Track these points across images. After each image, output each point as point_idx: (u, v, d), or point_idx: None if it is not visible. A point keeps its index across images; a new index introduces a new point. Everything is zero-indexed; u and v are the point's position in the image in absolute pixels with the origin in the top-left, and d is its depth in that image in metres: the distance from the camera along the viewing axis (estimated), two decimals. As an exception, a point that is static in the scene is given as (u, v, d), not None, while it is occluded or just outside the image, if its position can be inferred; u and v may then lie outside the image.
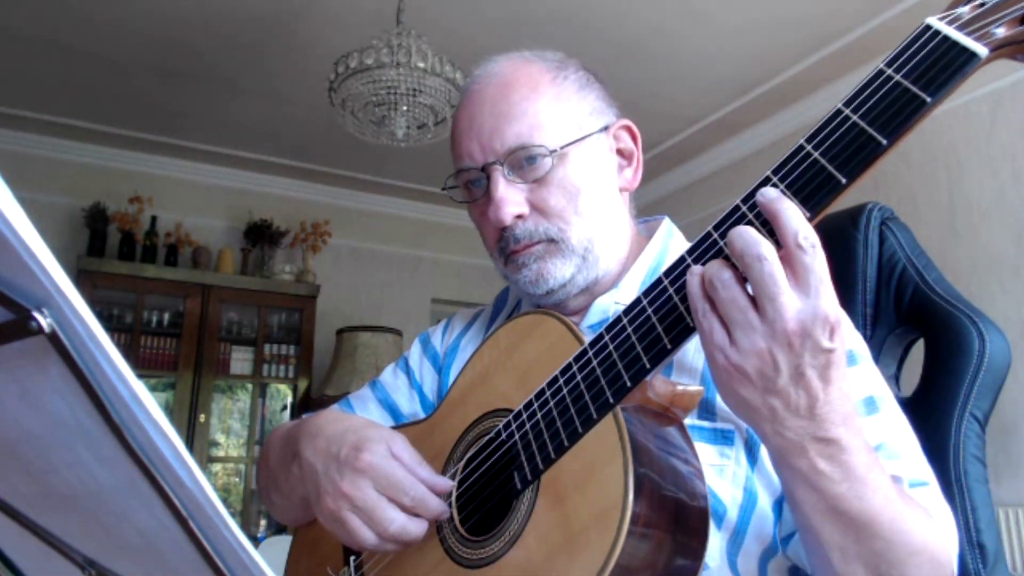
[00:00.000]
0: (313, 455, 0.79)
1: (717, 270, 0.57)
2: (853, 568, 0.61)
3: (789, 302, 0.54)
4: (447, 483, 0.74)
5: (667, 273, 0.65)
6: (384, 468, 0.72)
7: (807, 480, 0.59)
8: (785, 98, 3.51)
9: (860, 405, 0.73)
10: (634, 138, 0.92)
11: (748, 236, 0.56)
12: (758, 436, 0.61)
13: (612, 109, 0.91)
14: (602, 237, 0.86)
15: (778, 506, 0.76)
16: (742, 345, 0.56)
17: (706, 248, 0.62)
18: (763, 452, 0.75)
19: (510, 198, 0.83)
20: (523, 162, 0.83)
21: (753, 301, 0.56)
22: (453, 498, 0.75)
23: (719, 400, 0.75)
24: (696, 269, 0.60)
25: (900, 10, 2.87)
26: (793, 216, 0.55)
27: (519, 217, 0.84)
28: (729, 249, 0.57)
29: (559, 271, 0.84)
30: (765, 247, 0.55)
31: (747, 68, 3.33)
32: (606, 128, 0.89)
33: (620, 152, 0.91)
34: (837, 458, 0.58)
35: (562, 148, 0.83)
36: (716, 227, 0.62)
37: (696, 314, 0.59)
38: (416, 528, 0.71)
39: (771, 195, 0.57)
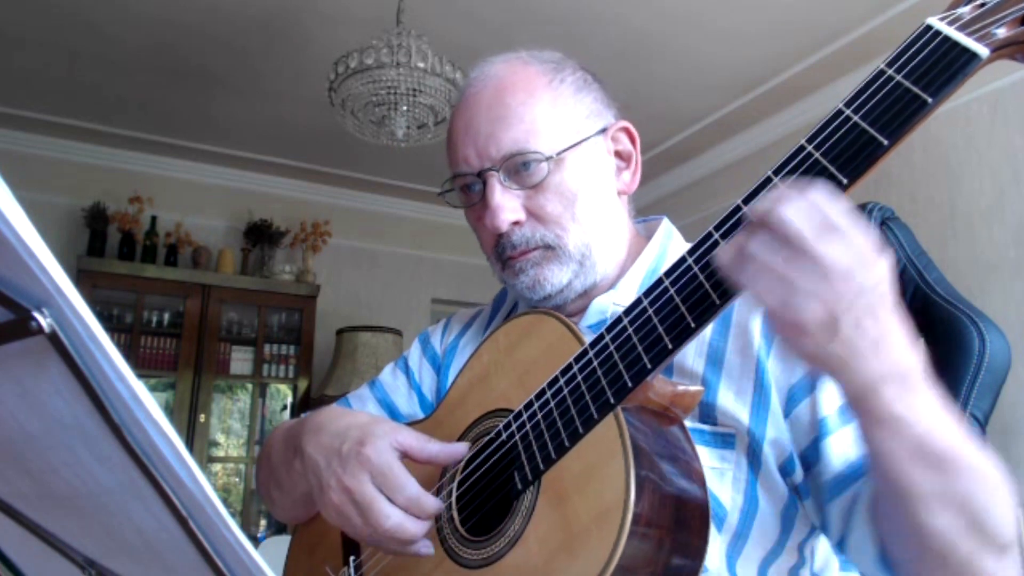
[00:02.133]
0: (316, 450, 0.79)
1: (749, 237, 0.56)
2: (944, 518, 0.58)
3: (827, 249, 0.53)
4: (462, 447, 0.75)
5: (668, 274, 0.65)
6: (381, 464, 0.72)
7: (886, 425, 0.57)
8: (785, 98, 3.51)
9: None
10: (632, 140, 0.91)
11: (773, 196, 0.55)
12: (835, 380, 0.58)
13: (610, 110, 0.90)
14: (600, 242, 0.86)
15: (787, 515, 0.75)
16: (795, 302, 0.54)
17: (707, 248, 0.62)
18: (766, 458, 0.75)
19: (506, 205, 0.82)
20: (519, 168, 0.82)
21: (793, 257, 0.54)
22: (454, 498, 0.75)
23: (720, 404, 0.76)
24: (724, 244, 0.58)
25: (900, 10, 2.86)
26: (788, 205, 0.54)
27: (516, 223, 0.83)
28: (754, 215, 0.56)
29: (556, 277, 0.84)
30: (790, 203, 0.54)
31: (748, 68, 3.33)
32: (604, 131, 0.88)
33: (618, 154, 0.90)
34: (910, 398, 0.56)
35: (559, 154, 0.82)
36: (717, 227, 0.62)
37: (744, 279, 0.56)
38: (414, 527, 0.71)
39: (758, 209, 0.56)
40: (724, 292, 0.60)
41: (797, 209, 0.54)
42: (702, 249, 0.63)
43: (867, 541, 0.68)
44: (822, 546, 0.82)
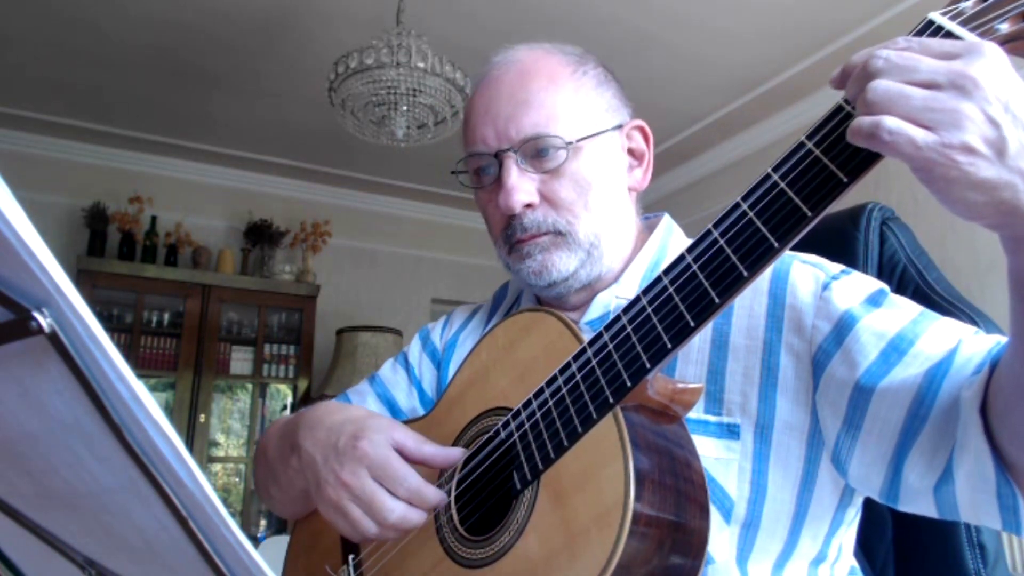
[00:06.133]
0: (313, 446, 0.79)
1: (871, 89, 0.52)
2: None
3: (943, 64, 0.50)
4: (457, 452, 0.74)
5: (667, 272, 0.65)
6: (380, 458, 0.72)
7: None
8: (785, 98, 3.51)
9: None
10: (646, 139, 0.92)
11: (855, 58, 0.53)
12: (1019, 230, 0.52)
13: (627, 109, 0.91)
14: (608, 234, 0.86)
15: (802, 503, 0.74)
16: (944, 122, 0.49)
17: (707, 246, 0.62)
18: (779, 441, 0.74)
19: (521, 187, 0.82)
20: (537, 152, 0.83)
21: (932, 74, 0.50)
22: (452, 497, 0.75)
23: (726, 394, 0.76)
24: (853, 122, 0.52)
25: (900, 10, 2.87)
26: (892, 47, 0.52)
27: (528, 206, 0.83)
28: (856, 83, 0.53)
29: (563, 264, 0.84)
30: (880, 51, 0.52)
31: (748, 68, 3.33)
32: (620, 127, 0.89)
33: (631, 152, 0.91)
34: None
35: (577, 141, 0.83)
36: (716, 225, 0.62)
37: (882, 139, 0.51)
38: (417, 517, 0.71)
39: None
40: (724, 290, 0.60)
41: (893, 52, 0.52)
42: (702, 247, 0.62)
43: (985, 461, 0.58)
44: (847, 544, 0.81)
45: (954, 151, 0.49)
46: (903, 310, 0.72)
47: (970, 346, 0.66)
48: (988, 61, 0.50)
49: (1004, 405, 0.58)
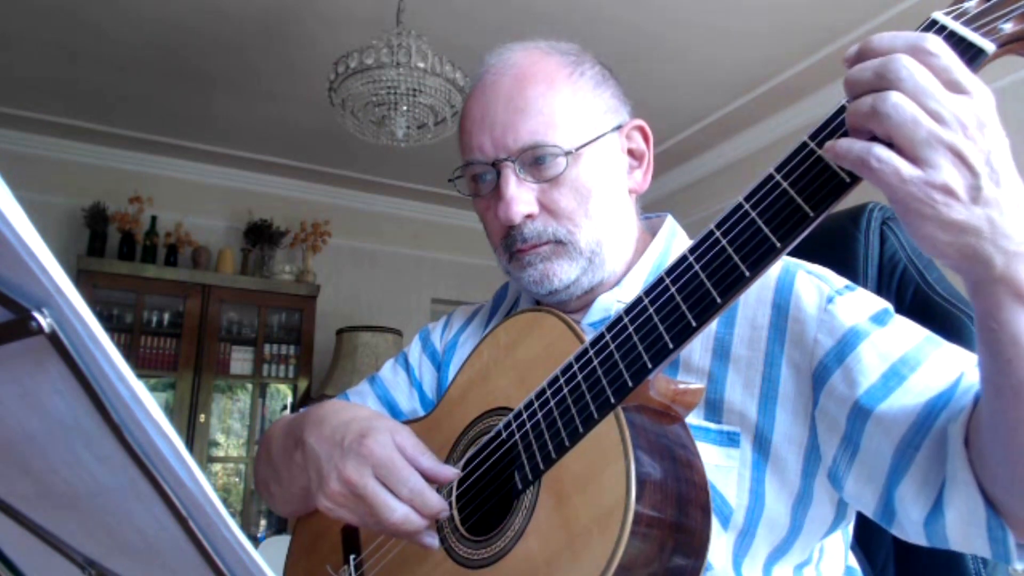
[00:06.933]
0: (318, 442, 0.78)
1: (873, 98, 0.52)
2: None
3: (951, 100, 0.50)
4: (451, 472, 0.74)
5: (669, 272, 0.64)
6: (385, 457, 0.72)
7: None
8: (785, 98, 3.51)
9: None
10: (646, 139, 0.90)
11: (876, 44, 0.53)
12: (978, 275, 0.53)
13: (626, 107, 0.89)
14: (610, 240, 0.85)
15: (798, 513, 0.74)
16: (934, 160, 0.50)
17: (709, 246, 0.62)
18: (777, 453, 0.74)
19: (521, 197, 0.81)
20: (536, 161, 0.81)
21: (930, 110, 0.51)
22: (454, 497, 0.75)
23: (726, 401, 0.75)
24: (839, 142, 0.53)
25: (900, 10, 2.87)
26: (908, 62, 0.52)
27: (528, 216, 0.82)
28: (875, 76, 0.53)
29: (565, 272, 0.83)
30: (905, 59, 0.51)
31: (748, 68, 3.33)
32: (619, 127, 0.87)
33: (631, 152, 0.89)
34: None
35: (577, 149, 0.81)
36: (718, 225, 0.62)
37: (869, 166, 0.52)
38: (419, 519, 0.71)
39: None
40: (725, 290, 0.60)
41: (917, 66, 0.51)
42: (704, 247, 0.62)
43: (974, 496, 0.59)
44: (831, 545, 0.81)
45: (934, 190, 0.50)
46: (908, 333, 0.72)
47: (971, 376, 0.66)
48: (985, 110, 0.51)
49: (982, 445, 0.59)
